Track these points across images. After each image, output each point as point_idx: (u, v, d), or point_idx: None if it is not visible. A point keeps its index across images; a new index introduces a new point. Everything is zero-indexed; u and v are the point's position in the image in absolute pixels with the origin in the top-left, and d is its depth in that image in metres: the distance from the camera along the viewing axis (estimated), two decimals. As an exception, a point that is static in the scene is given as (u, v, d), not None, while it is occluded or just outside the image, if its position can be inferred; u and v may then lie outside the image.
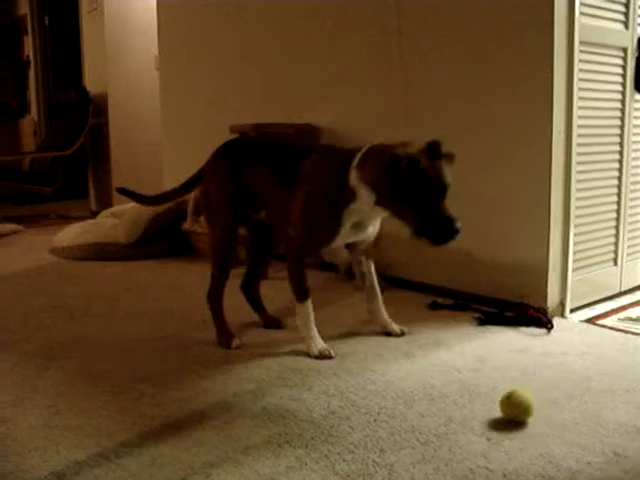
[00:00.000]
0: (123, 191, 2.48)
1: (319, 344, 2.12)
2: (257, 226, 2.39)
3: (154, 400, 1.79)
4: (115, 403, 1.77)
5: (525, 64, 2.48)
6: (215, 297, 2.31)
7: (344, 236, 2.10)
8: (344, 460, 1.45)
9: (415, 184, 1.85)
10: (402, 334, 2.31)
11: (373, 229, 2.16)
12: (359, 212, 2.03)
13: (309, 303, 2.13)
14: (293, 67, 3.57)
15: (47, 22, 7.43)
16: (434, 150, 1.91)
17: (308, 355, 2.10)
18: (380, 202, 1.95)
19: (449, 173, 1.91)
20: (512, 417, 1.62)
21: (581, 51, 2.46)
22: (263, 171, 2.21)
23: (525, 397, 1.62)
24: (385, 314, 2.34)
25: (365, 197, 1.98)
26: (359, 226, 2.09)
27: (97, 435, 1.58)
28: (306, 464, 1.43)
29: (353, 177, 1.99)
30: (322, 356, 2.09)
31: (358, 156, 2.01)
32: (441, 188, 1.88)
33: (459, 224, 1.86)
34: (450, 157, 1.95)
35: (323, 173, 2.08)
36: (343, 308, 2.71)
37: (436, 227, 1.87)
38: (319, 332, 2.15)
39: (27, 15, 7.52)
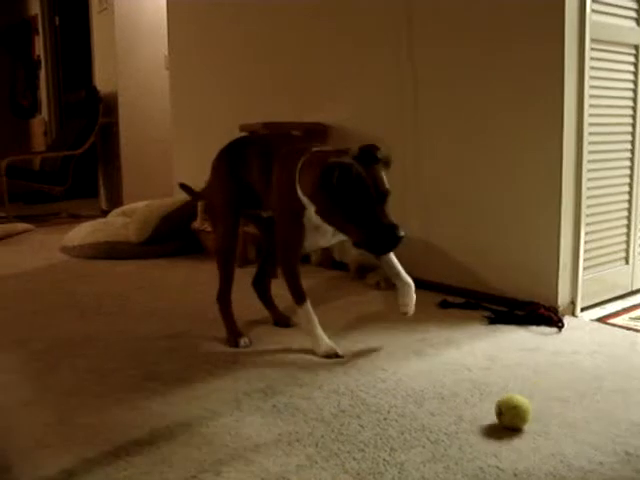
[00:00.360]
0: (183, 186, 2.64)
1: (326, 344, 2.11)
2: (265, 224, 2.40)
3: (164, 398, 1.79)
4: (126, 401, 1.78)
5: (536, 62, 2.47)
6: (223, 297, 2.32)
7: (314, 240, 2.08)
8: (354, 459, 1.45)
9: (350, 194, 1.81)
10: (404, 313, 2.18)
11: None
12: (312, 220, 2.01)
13: (308, 304, 2.12)
14: (303, 65, 3.57)
15: (58, 22, 7.47)
16: (369, 156, 1.86)
17: (317, 354, 2.11)
18: (319, 214, 1.94)
19: (386, 178, 1.85)
20: (509, 427, 1.58)
21: (592, 49, 2.45)
22: (255, 171, 2.21)
23: (516, 408, 1.57)
24: (409, 299, 2.16)
25: (309, 208, 1.98)
26: (322, 231, 2.05)
27: (108, 433, 1.58)
28: (316, 462, 1.43)
29: (299, 190, 1.99)
30: (329, 356, 2.08)
31: (299, 166, 1.99)
32: (379, 195, 1.82)
33: (401, 232, 1.79)
34: (386, 162, 1.90)
35: (280, 185, 2.08)
36: (353, 306, 2.71)
37: (376, 237, 1.81)
38: (329, 330, 2.15)
39: (38, 15, 7.56)
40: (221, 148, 2.37)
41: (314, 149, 2.05)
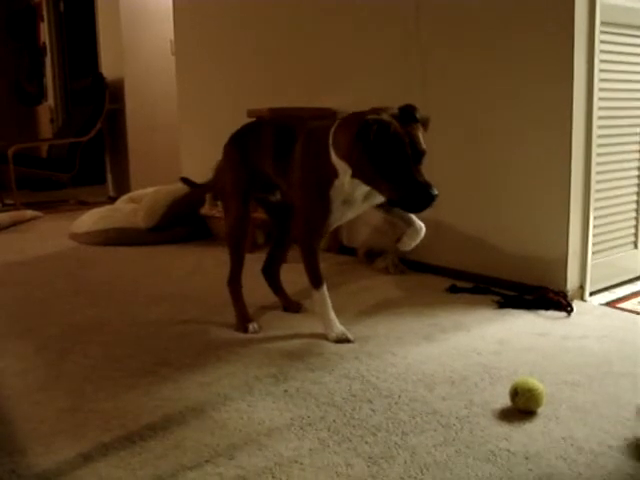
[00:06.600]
0: (185, 180, 2.63)
1: (337, 329, 2.13)
2: (275, 209, 2.41)
3: (176, 384, 1.81)
4: (138, 387, 1.79)
5: (545, 45, 2.46)
6: (234, 281, 2.33)
7: (341, 213, 2.06)
8: (366, 442, 1.46)
9: (387, 151, 1.79)
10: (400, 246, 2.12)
11: (373, 199, 2.06)
12: (343, 189, 1.99)
13: (324, 289, 2.13)
14: (310, 51, 3.56)
15: (62, 8, 7.45)
16: (408, 115, 1.85)
17: (327, 339, 2.12)
18: (355, 174, 1.91)
19: (423, 139, 1.85)
20: (523, 409, 1.59)
21: (602, 31, 2.43)
22: (268, 155, 2.21)
23: (531, 390, 1.58)
24: (413, 242, 2.10)
25: (343, 172, 1.95)
26: (350, 202, 2.04)
27: (122, 418, 1.60)
28: (329, 446, 1.44)
29: (333, 154, 1.97)
30: (340, 341, 2.10)
31: (331, 132, 1.98)
32: (416, 154, 1.81)
33: (435, 190, 1.79)
34: (425, 123, 1.89)
35: (306, 159, 2.06)
36: (362, 291, 2.72)
37: (411, 195, 1.80)
38: (339, 315, 2.16)
39: (42, 1, 7.54)
40: (232, 133, 2.37)
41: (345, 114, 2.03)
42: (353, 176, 1.93)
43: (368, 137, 1.80)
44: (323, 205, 2.03)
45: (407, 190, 1.81)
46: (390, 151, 1.80)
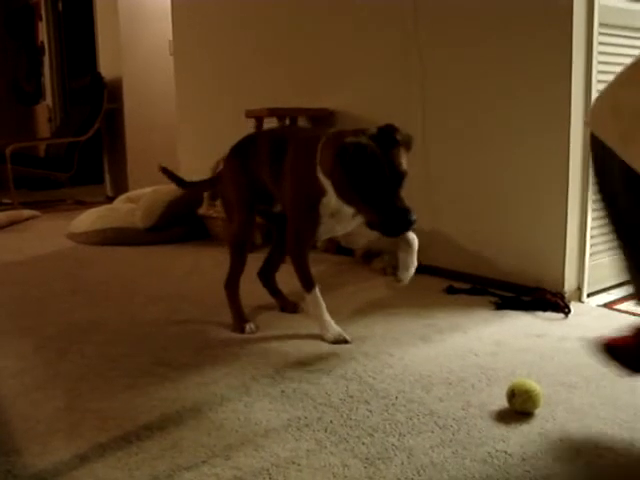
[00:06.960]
0: (165, 171, 2.49)
1: (334, 330, 2.12)
2: (275, 216, 2.40)
3: (173, 384, 1.80)
4: (135, 387, 1.79)
5: (543, 47, 2.46)
6: (232, 284, 2.33)
7: (329, 227, 2.08)
8: (363, 443, 1.46)
9: (365, 174, 1.78)
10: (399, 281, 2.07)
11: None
12: (331, 205, 2.00)
13: (317, 291, 2.12)
14: (308, 50, 3.56)
15: (61, 7, 7.44)
16: (387, 136, 1.82)
17: (324, 340, 2.11)
18: (337, 193, 1.92)
19: (405, 160, 1.82)
20: (520, 410, 1.59)
21: (601, 33, 2.43)
22: (265, 165, 2.21)
23: (528, 392, 1.58)
24: (409, 268, 2.04)
25: (330, 191, 1.96)
26: (338, 217, 2.04)
27: (119, 418, 1.60)
28: (326, 447, 1.44)
29: (320, 173, 1.97)
30: (337, 341, 2.09)
31: (320, 146, 1.97)
32: (394, 177, 1.79)
33: (413, 216, 1.77)
34: (407, 143, 1.86)
35: (295, 171, 2.06)
36: (359, 292, 2.72)
37: (388, 220, 1.79)
38: (336, 316, 2.16)
39: (41, 0, 7.53)
40: (232, 145, 2.37)
41: (333, 130, 2.04)
42: (338, 196, 1.93)
43: (345, 161, 1.79)
44: (312, 217, 2.04)
45: (384, 215, 1.80)
46: (367, 175, 1.78)
